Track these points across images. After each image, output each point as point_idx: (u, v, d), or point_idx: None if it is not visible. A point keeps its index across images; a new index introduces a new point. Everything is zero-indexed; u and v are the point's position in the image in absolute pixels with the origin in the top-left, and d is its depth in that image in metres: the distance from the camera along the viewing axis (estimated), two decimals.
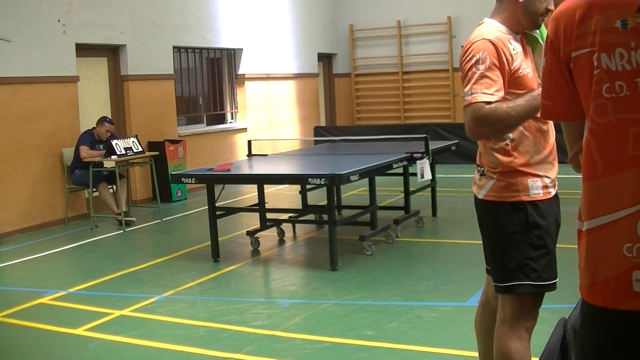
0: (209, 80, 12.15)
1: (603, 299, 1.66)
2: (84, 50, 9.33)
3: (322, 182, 5.88)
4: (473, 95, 2.57)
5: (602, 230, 1.67)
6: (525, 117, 2.61)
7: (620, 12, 1.63)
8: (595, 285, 1.68)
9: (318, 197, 8.82)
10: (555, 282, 2.77)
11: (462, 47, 2.78)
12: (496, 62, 2.62)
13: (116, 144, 8.43)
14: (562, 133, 1.95)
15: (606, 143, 1.66)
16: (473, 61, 2.62)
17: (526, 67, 2.73)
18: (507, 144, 2.73)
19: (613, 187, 1.65)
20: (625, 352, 1.64)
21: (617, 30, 1.63)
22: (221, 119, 12.54)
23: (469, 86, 2.60)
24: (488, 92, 2.56)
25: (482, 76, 2.59)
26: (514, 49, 2.70)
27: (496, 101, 2.56)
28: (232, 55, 12.51)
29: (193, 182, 6.54)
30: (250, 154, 7.87)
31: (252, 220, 7.94)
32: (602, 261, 1.67)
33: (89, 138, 8.65)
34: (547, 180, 2.76)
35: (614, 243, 1.64)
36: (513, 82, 2.68)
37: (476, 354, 3.26)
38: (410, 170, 7.48)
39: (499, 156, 2.74)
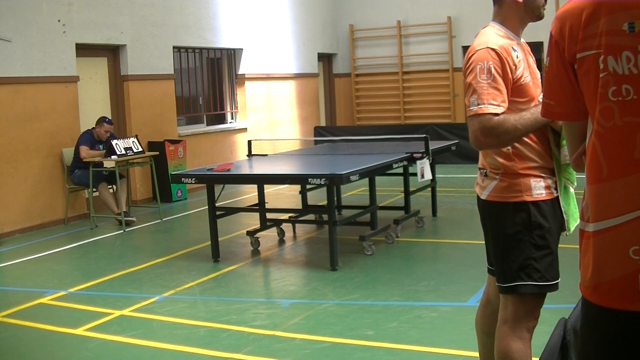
0: (209, 80, 12.14)
1: (608, 299, 1.66)
2: (84, 50, 9.32)
3: (322, 182, 5.88)
4: (480, 106, 2.57)
5: (608, 232, 1.66)
6: (530, 131, 2.62)
7: (628, 14, 1.61)
8: (600, 286, 1.68)
9: (318, 197, 8.82)
10: (558, 283, 2.77)
11: (466, 48, 2.78)
12: (500, 71, 2.62)
13: (116, 144, 8.43)
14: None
15: (612, 146, 1.65)
16: (477, 70, 2.62)
17: (527, 74, 2.73)
18: (508, 149, 2.74)
19: (620, 191, 1.64)
20: (631, 352, 1.64)
21: (624, 33, 1.61)
22: (221, 119, 12.54)
23: (474, 96, 2.60)
24: (495, 103, 2.57)
25: (488, 86, 2.59)
26: (517, 57, 2.69)
27: (502, 112, 2.57)
28: (232, 55, 12.50)
29: (193, 182, 6.54)
30: (250, 154, 7.86)
31: (252, 220, 7.94)
32: (608, 263, 1.66)
33: (89, 138, 8.65)
34: (549, 181, 2.76)
35: (621, 246, 1.64)
36: (515, 91, 2.68)
37: (476, 354, 3.26)
38: (411, 170, 7.48)
39: (500, 159, 2.75)
